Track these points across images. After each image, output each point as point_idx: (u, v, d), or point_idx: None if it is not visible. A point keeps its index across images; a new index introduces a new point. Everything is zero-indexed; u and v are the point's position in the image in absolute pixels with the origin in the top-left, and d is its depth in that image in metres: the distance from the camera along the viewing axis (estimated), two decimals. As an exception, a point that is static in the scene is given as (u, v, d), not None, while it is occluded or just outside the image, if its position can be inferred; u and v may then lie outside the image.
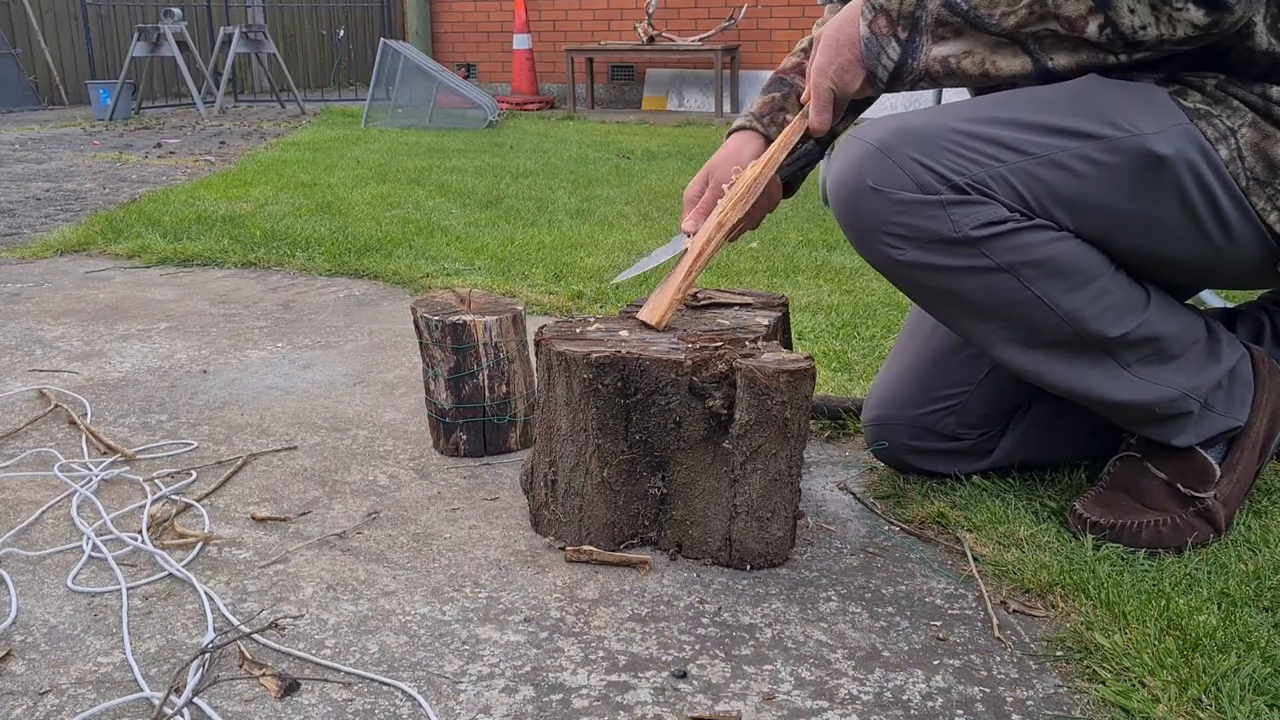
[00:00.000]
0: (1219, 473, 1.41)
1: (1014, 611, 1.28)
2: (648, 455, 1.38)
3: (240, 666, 1.18)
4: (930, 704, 1.11)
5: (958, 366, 1.54)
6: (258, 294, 2.84)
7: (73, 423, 1.90)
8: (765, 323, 1.50)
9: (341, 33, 10.97)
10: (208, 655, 1.19)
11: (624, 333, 1.43)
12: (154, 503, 1.58)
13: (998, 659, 1.19)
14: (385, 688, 1.14)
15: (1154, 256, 1.31)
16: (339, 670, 1.17)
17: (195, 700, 1.11)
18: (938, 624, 1.26)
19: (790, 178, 1.59)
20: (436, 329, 1.69)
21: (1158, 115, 1.25)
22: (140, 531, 1.49)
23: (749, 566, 1.38)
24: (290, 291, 2.86)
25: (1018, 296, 1.28)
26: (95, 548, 1.44)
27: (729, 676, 1.16)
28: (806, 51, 1.58)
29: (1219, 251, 1.31)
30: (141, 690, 1.13)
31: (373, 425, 1.90)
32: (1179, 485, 1.40)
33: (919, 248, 1.27)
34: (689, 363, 1.32)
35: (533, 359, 1.55)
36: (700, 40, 8.33)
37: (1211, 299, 2.20)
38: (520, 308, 1.77)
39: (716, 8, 8.68)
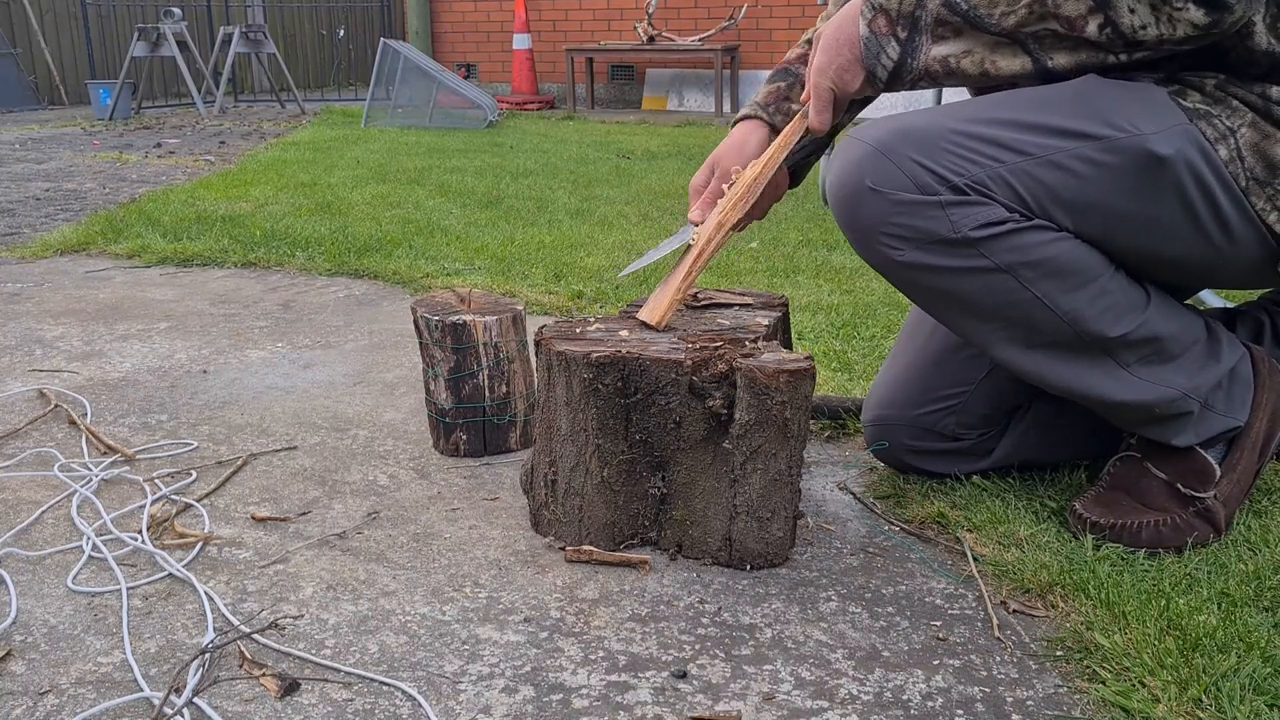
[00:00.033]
0: (1219, 473, 1.41)
1: (1014, 611, 1.28)
2: (648, 455, 1.38)
3: (240, 666, 1.18)
4: (930, 704, 1.11)
5: (958, 367, 1.54)
6: (258, 294, 2.84)
7: (73, 423, 1.90)
8: (765, 323, 1.50)
9: (341, 33, 10.97)
10: (208, 655, 1.19)
11: (624, 333, 1.43)
12: (154, 503, 1.58)
13: (998, 659, 1.19)
14: (385, 688, 1.14)
15: (1154, 257, 1.31)
16: (339, 670, 1.17)
17: (195, 700, 1.11)
18: (938, 624, 1.26)
19: (796, 166, 1.59)
20: (436, 329, 1.69)
21: (1157, 115, 1.25)
22: (140, 531, 1.49)
23: (749, 566, 1.38)
24: (290, 291, 2.86)
25: (1017, 297, 1.28)
26: (95, 548, 1.44)
27: (729, 676, 1.16)
28: (811, 43, 1.58)
29: (1219, 251, 1.31)
30: (141, 690, 1.13)
31: (373, 425, 1.90)
32: (1179, 485, 1.41)
33: (918, 248, 1.27)
34: (689, 363, 1.32)
35: (533, 359, 1.55)
36: (700, 40, 8.33)
37: (1211, 299, 2.20)
38: (520, 308, 1.77)
39: (716, 8, 8.68)
